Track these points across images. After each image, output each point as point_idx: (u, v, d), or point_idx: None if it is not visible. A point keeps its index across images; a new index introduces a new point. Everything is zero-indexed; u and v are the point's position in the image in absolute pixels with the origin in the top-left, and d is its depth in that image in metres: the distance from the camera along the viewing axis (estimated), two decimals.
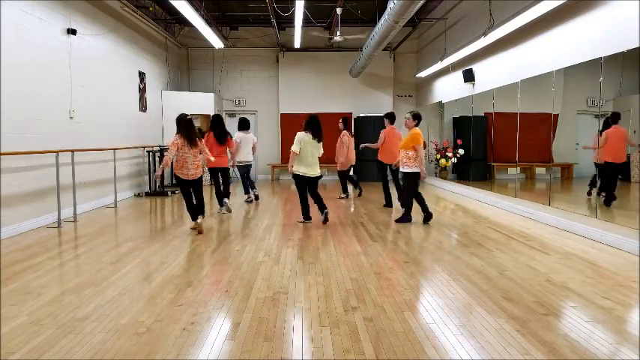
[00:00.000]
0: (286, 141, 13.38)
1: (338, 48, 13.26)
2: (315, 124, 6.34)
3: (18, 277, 4.02)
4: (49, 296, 3.53)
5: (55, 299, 3.47)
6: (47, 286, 3.79)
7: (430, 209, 6.53)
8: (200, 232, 5.85)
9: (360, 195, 9.56)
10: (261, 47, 13.40)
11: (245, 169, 8.54)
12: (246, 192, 8.80)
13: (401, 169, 6.52)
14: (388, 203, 8.02)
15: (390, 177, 7.94)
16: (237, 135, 8.35)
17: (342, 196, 9.31)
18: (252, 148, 8.56)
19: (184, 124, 5.85)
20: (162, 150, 10.35)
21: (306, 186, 6.47)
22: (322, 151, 6.49)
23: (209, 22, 9.88)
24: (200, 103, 11.85)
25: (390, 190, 8.09)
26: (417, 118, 6.47)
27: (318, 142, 6.38)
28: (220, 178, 7.48)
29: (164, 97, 11.65)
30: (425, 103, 12.88)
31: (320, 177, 6.49)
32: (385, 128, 7.96)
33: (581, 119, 6.46)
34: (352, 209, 7.97)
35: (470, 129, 9.76)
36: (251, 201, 8.77)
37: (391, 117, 7.96)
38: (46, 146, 6.38)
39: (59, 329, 2.92)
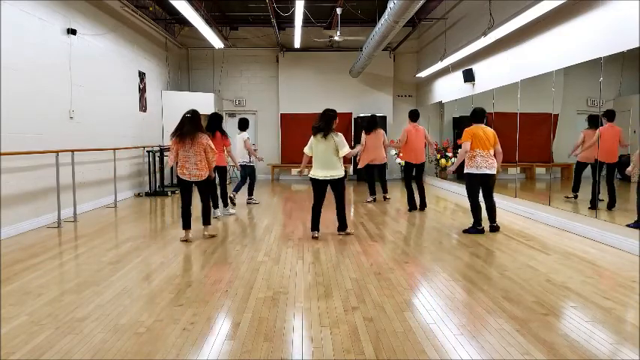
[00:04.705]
0: (286, 141, 13.40)
1: (338, 48, 13.24)
2: (319, 118, 5.55)
3: (18, 277, 4.02)
4: (49, 296, 3.53)
5: (54, 299, 3.47)
6: (47, 286, 3.79)
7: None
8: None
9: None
10: (261, 47, 13.39)
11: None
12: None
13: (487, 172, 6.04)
14: (414, 206, 7.55)
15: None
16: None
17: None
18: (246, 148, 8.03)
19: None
20: (163, 150, 10.34)
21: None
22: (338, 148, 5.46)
23: (209, 22, 9.87)
24: (200, 103, 11.81)
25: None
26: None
27: (323, 137, 5.44)
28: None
29: (164, 97, 11.65)
30: (425, 103, 12.88)
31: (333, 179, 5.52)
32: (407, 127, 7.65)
33: (581, 119, 6.45)
34: (352, 210, 7.97)
35: None
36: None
37: (411, 115, 7.78)
38: (46, 146, 6.38)
39: (59, 329, 2.92)
